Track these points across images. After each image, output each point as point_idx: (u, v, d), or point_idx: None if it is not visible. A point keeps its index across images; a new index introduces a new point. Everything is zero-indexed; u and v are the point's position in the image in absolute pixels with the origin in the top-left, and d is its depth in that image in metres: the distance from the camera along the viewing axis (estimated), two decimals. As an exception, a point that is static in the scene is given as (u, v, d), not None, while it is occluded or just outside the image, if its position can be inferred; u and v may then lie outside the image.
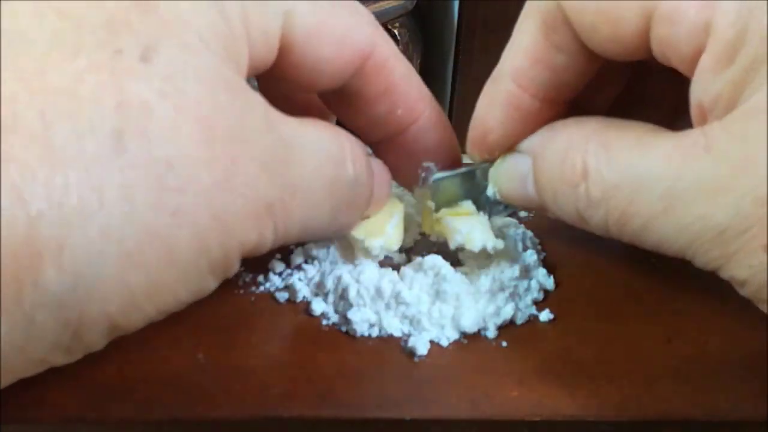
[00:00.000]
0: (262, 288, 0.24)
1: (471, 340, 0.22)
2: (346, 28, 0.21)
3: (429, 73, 0.74)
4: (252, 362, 0.21)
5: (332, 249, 0.24)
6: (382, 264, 0.24)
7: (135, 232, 0.16)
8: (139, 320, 0.17)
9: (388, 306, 0.22)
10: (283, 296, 0.23)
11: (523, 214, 0.28)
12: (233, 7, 0.19)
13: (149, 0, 0.17)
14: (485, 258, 0.25)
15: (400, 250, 0.25)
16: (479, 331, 0.22)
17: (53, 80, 0.16)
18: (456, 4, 0.60)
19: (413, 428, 0.20)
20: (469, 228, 0.24)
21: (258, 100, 0.19)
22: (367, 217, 0.24)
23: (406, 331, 0.22)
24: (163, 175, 0.16)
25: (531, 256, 0.25)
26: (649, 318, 0.23)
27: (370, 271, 0.23)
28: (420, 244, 0.26)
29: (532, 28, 0.21)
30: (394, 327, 0.22)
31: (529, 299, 0.24)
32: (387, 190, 0.24)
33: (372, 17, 0.23)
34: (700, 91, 0.18)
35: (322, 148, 0.20)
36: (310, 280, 0.24)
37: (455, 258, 0.25)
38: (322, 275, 0.23)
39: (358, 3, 0.22)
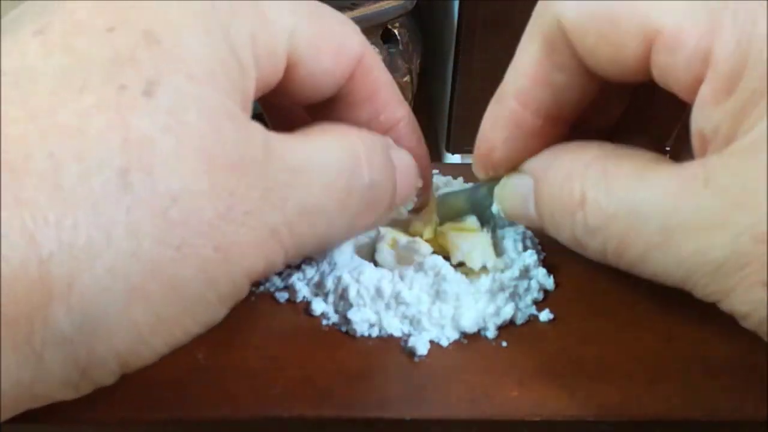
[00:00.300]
0: (261, 288, 0.24)
1: (471, 340, 0.22)
2: (341, 37, 0.22)
3: (429, 73, 0.74)
4: (252, 362, 0.21)
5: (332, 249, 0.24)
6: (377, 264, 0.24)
7: (141, 268, 0.16)
8: (148, 356, 0.17)
9: (388, 306, 0.22)
10: (282, 296, 0.23)
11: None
12: (241, 36, 0.19)
13: (155, 34, 0.17)
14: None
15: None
16: (479, 331, 0.23)
17: (61, 119, 0.16)
18: (456, 4, 0.60)
19: (413, 428, 0.20)
20: (471, 247, 0.24)
21: (258, 128, 0.19)
22: (401, 213, 0.23)
23: (406, 331, 0.22)
24: (167, 209, 0.16)
25: (531, 256, 0.25)
26: (649, 318, 0.23)
27: (370, 271, 0.23)
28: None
29: (534, 47, 0.21)
30: (394, 327, 0.22)
31: (529, 299, 0.24)
32: (412, 181, 0.23)
33: (353, 24, 0.23)
34: (700, 120, 0.18)
35: (332, 162, 0.20)
36: (310, 280, 0.24)
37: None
38: (322, 275, 0.23)
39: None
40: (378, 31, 0.62)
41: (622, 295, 0.24)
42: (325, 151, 0.20)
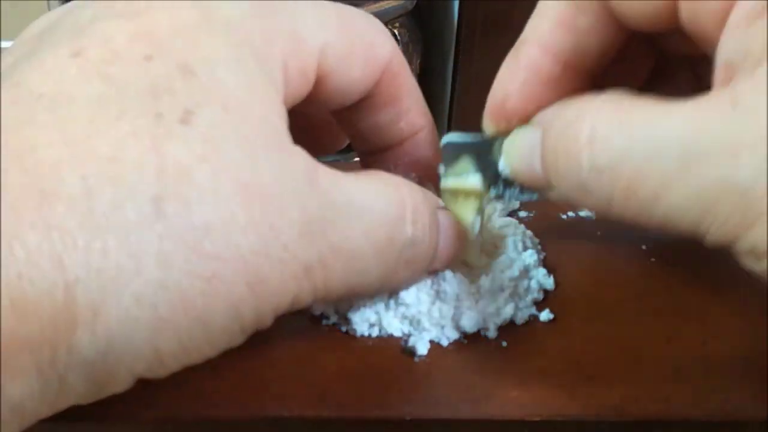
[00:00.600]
0: (262, 288, 0.24)
1: (471, 340, 0.22)
2: (370, 44, 0.21)
3: (429, 73, 0.74)
4: (252, 362, 0.21)
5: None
6: None
7: (169, 298, 0.16)
8: (163, 373, 0.17)
9: (387, 306, 0.22)
10: (283, 296, 0.23)
11: (522, 214, 0.28)
12: (275, 61, 0.19)
13: (190, 65, 0.17)
14: (485, 258, 0.25)
15: None
16: (479, 331, 0.22)
17: (97, 146, 0.16)
18: (456, 4, 0.60)
19: (413, 428, 0.20)
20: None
21: (301, 158, 0.18)
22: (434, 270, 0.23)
23: (406, 331, 0.22)
24: (200, 241, 0.16)
25: (531, 256, 0.25)
26: (649, 318, 0.23)
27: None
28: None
29: None
30: (394, 327, 0.22)
31: (529, 299, 0.24)
32: (455, 244, 0.23)
33: (383, 26, 0.23)
34: (728, 49, 0.17)
35: (376, 209, 0.19)
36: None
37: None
38: (322, 275, 0.23)
39: (368, 13, 0.23)
40: (378, 31, 0.62)
41: (622, 295, 0.24)
42: (372, 195, 0.20)
